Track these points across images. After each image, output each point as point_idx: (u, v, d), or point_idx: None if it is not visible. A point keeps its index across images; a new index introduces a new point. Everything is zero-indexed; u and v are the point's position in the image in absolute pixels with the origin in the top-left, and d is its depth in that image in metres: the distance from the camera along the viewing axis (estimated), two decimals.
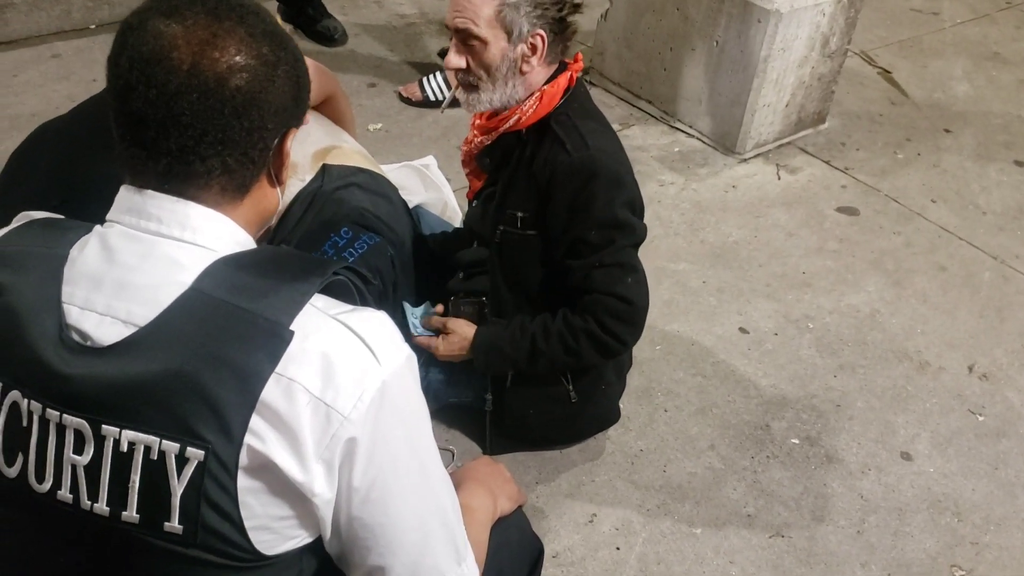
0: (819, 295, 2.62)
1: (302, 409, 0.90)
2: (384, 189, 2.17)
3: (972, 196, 3.10)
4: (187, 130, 0.93)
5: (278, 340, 0.90)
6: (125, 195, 0.98)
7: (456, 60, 1.77)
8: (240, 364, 0.89)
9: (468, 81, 1.79)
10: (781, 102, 3.15)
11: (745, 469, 2.09)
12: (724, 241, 2.79)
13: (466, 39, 1.73)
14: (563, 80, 1.81)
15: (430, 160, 2.89)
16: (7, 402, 0.95)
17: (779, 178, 3.11)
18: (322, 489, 0.92)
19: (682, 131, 3.26)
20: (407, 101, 3.29)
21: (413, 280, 2.18)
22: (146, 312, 0.92)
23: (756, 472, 2.08)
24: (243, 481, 0.90)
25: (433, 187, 2.73)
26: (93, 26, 3.48)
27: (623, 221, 1.77)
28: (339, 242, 1.98)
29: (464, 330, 1.91)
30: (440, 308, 2.01)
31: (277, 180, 1.04)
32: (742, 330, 2.47)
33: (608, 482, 2.03)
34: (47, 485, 0.94)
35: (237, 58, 0.93)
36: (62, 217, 1.08)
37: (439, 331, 1.95)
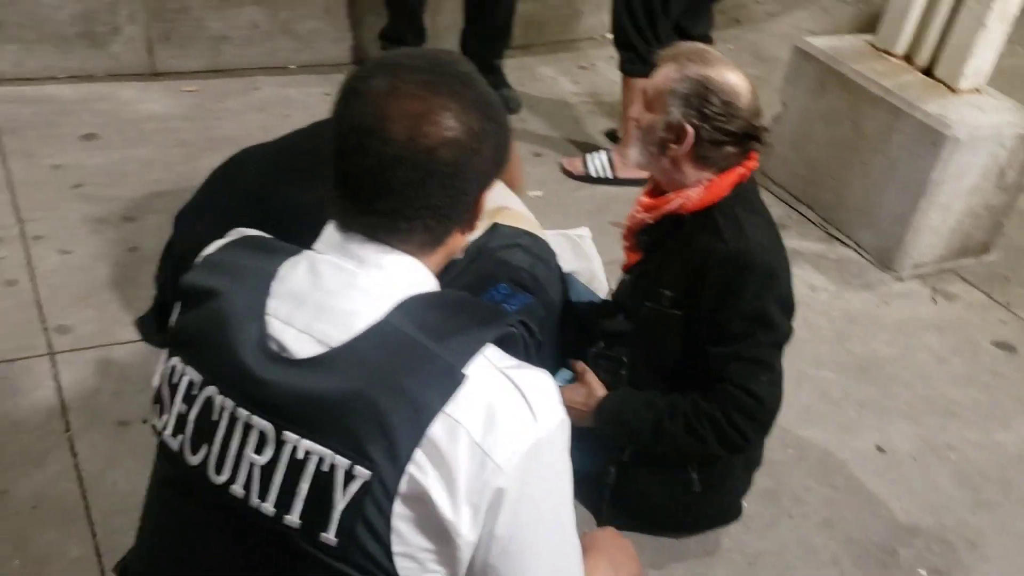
0: (964, 426, 2.53)
1: (462, 450, 0.95)
2: (544, 254, 2.26)
3: None
4: (396, 196, 1.01)
5: (451, 381, 0.96)
6: (332, 234, 1.06)
7: (635, 111, 1.92)
8: (415, 396, 0.95)
9: (633, 132, 1.92)
10: (946, 227, 3.09)
11: None
12: (871, 355, 2.74)
13: (646, 95, 1.88)
14: (733, 174, 1.85)
15: (585, 231, 2.97)
16: (203, 395, 1.04)
17: (935, 302, 3.04)
18: (467, 531, 0.96)
19: (840, 240, 3.24)
20: (568, 174, 3.39)
21: (556, 344, 2.24)
22: (340, 335, 0.99)
23: None
24: (399, 507, 0.95)
25: (584, 257, 2.80)
26: (293, 66, 3.76)
27: (768, 318, 1.79)
28: (496, 297, 2.06)
29: (594, 387, 1.95)
30: (579, 366, 2.05)
31: (470, 228, 1.11)
32: (879, 448, 2.42)
33: None
34: (224, 477, 1.02)
35: (447, 133, 0.99)
36: (272, 237, 1.17)
37: (573, 377, 2.00)
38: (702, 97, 1.78)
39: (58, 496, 1.93)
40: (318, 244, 1.07)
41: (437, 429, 0.94)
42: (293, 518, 0.98)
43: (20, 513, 1.89)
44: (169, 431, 1.07)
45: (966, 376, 2.73)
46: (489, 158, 1.06)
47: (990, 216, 3.18)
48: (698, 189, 1.84)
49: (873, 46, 3.29)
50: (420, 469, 0.94)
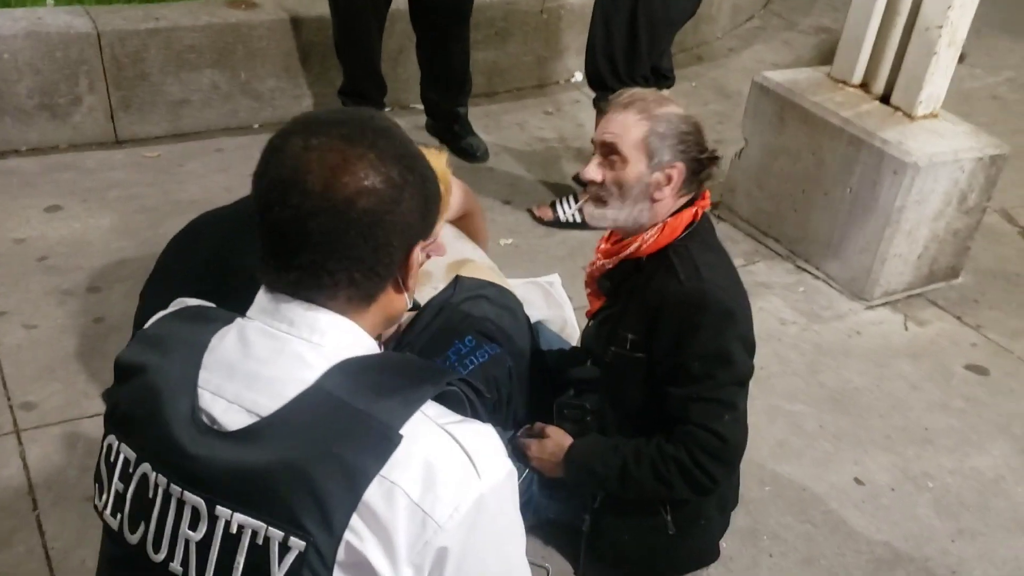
0: (941, 453, 2.53)
1: (400, 512, 0.93)
2: (510, 303, 2.26)
3: None
4: (317, 248, 1.01)
5: (387, 443, 0.94)
6: (262, 297, 1.06)
7: (593, 173, 1.85)
8: (349, 462, 0.93)
9: (599, 195, 1.86)
10: (913, 253, 3.11)
11: None
12: (844, 387, 2.74)
13: (608, 154, 1.83)
14: (687, 214, 1.87)
15: (555, 278, 2.97)
16: (138, 472, 1.03)
17: (906, 329, 3.05)
18: None
19: (808, 272, 3.25)
20: (539, 220, 3.40)
21: (527, 393, 2.23)
22: (270, 404, 0.98)
23: None
24: (340, 573, 0.94)
25: (555, 304, 2.80)
26: (256, 126, 3.76)
27: (728, 356, 1.78)
28: (462, 349, 2.06)
29: (561, 439, 1.95)
30: (537, 425, 2.04)
31: (404, 287, 1.10)
32: (857, 481, 2.41)
33: None
34: (162, 556, 1.01)
35: (365, 182, 1.00)
36: (212, 306, 1.17)
37: (539, 436, 1.99)
38: (682, 132, 1.82)
39: None
40: (250, 310, 1.07)
41: (373, 493, 0.93)
42: None
43: None
44: (108, 511, 1.07)
45: (940, 402, 2.72)
46: (413, 210, 1.05)
47: (956, 240, 3.20)
48: (653, 231, 1.86)
49: (830, 77, 3.33)
50: (357, 536, 0.93)
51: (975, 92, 4.83)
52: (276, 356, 1.01)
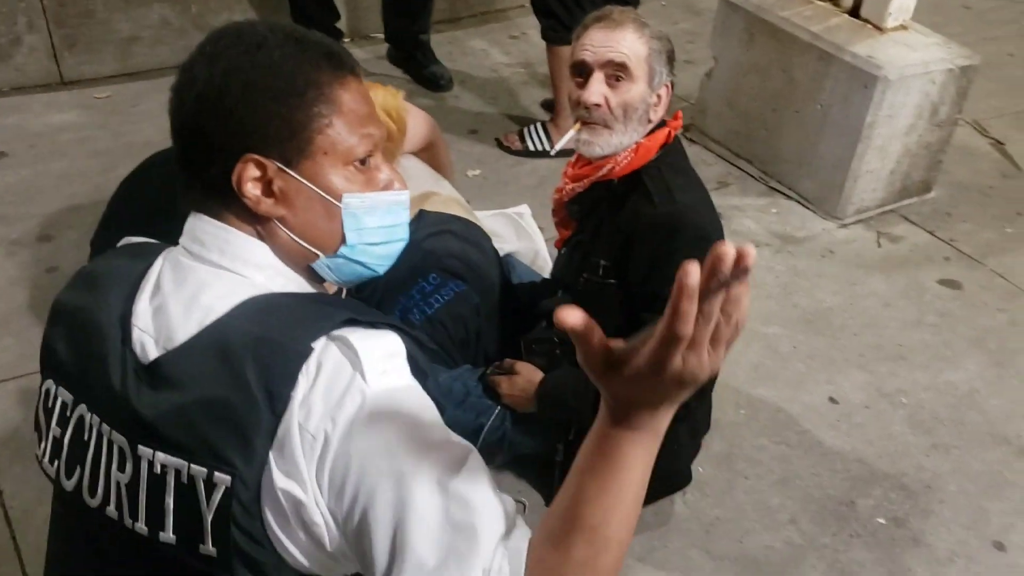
0: (915, 370, 2.52)
1: (294, 430, 0.89)
2: (477, 238, 2.20)
3: None
4: (179, 147, 1.01)
5: (295, 365, 0.90)
6: (188, 220, 1.03)
7: (597, 95, 1.74)
8: (264, 388, 0.89)
9: (603, 120, 1.76)
10: (885, 169, 3.07)
11: (826, 547, 2.01)
12: (818, 307, 2.72)
13: (615, 73, 1.74)
14: (661, 135, 1.82)
15: (524, 209, 2.91)
16: (75, 416, 1.00)
17: (879, 246, 3.03)
18: (318, 510, 0.89)
19: (781, 192, 3.21)
20: (506, 149, 3.33)
21: (498, 328, 2.19)
22: (176, 336, 0.94)
23: (837, 551, 2.01)
24: (269, 507, 0.90)
25: (526, 236, 2.74)
26: None
27: None
28: (426, 288, 2.01)
29: (531, 374, 1.92)
30: (507, 362, 2.00)
31: (257, 213, 0.99)
32: (832, 400, 2.40)
33: (681, 550, 1.98)
34: (97, 500, 0.98)
35: (196, 84, 0.99)
36: (154, 242, 1.12)
37: (509, 372, 1.96)
38: (669, 51, 1.80)
39: None
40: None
41: (286, 417, 0.89)
42: (168, 535, 0.94)
43: None
44: (47, 458, 1.04)
45: (914, 319, 2.71)
46: (244, 119, 0.97)
47: (928, 154, 3.16)
48: (626, 153, 1.80)
49: None
50: (276, 462, 0.89)
51: (946, 2, 4.74)
52: (180, 287, 0.98)
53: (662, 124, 1.85)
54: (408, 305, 1.97)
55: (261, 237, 1.01)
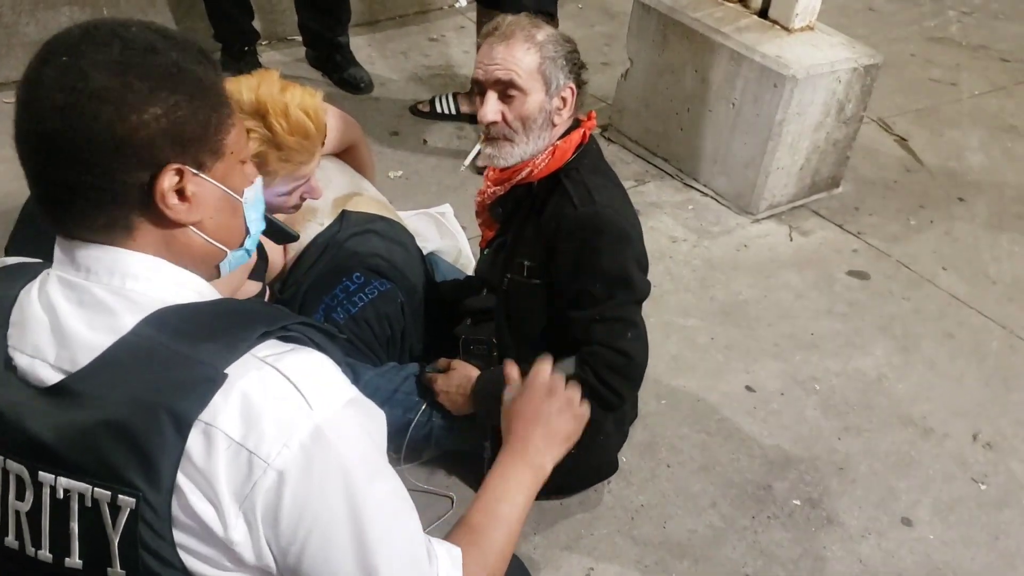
0: (826, 357, 2.63)
1: (220, 456, 0.87)
2: (400, 237, 2.22)
3: (983, 265, 3.12)
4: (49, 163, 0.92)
5: (209, 384, 0.88)
6: (57, 244, 0.96)
7: (493, 112, 1.78)
8: (171, 410, 0.87)
9: (502, 134, 1.80)
10: (796, 165, 3.18)
11: (745, 529, 2.09)
12: (734, 299, 2.81)
13: (505, 90, 1.77)
14: (576, 136, 1.86)
15: (446, 208, 2.95)
16: None
17: (791, 239, 3.14)
18: (242, 539, 0.89)
19: (696, 189, 3.30)
20: (418, 113, 3.53)
21: (423, 327, 2.21)
22: (79, 358, 0.91)
23: (756, 532, 2.08)
24: (178, 528, 0.89)
25: (448, 235, 2.78)
26: None
27: (627, 277, 1.80)
28: (350, 287, 2.02)
29: (467, 371, 1.94)
30: (443, 361, 2.03)
31: (175, 219, 0.96)
32: (748, 389, 2.49)
33: (607, 536, 2.03)
34: None
35: (56, 92, 0.89)
36: (33, 261, 1.07)
37: (445, 370, 1.98)
38: (568, 52, 1.80)
39: None
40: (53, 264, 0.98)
41: (195, 439, 0.87)
42: (74, 560, 0.91)
43: None
44: None
45: (825, 309, 2.83)
46: (145, 124, 0.91)
47: (836, 150, 3.29)
48: (544, 156, 1.84)
49: None
50: (185, 486, 0.88)
51: (851, 4, 4.92)
52: (78, 307, 0.93)
53: (577, 125, 1.89)
54: (332, 304, 1.98)
55: (167, 245, 0.97)
